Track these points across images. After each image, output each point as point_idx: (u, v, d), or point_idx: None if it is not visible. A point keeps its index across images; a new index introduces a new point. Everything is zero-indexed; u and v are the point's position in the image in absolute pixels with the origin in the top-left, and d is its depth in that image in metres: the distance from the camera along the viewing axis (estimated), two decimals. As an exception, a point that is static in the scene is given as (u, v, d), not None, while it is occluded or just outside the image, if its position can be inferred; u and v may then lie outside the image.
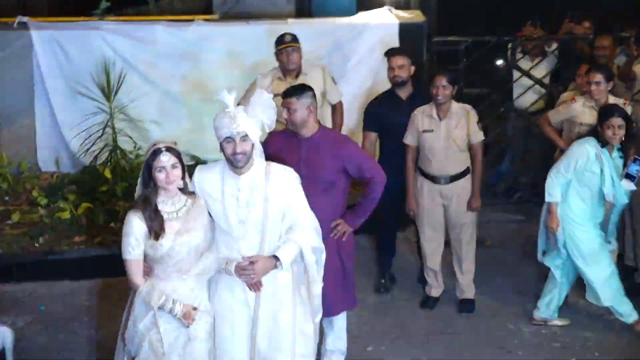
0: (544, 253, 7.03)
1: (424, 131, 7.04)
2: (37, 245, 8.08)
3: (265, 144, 5.45)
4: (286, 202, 5.06)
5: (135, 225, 4.73)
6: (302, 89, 5.91)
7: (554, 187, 6.68)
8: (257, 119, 4.92)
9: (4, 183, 8.99)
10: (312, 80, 7.38)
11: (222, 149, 4.92)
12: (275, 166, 5.10)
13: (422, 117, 7.06)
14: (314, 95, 5.90)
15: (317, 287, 5.36)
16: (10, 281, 7.75)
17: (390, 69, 7.29)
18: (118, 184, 8.63)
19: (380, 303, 7.46)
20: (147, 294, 4.76)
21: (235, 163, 4.89)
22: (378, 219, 7.17)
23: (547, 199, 6.73)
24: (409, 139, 7.13)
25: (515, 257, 8.43)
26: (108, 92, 8.87)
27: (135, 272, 4.78)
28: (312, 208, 5.22)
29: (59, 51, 9.33)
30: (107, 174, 8.70)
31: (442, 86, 6.91)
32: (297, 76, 7.51)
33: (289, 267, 5.12)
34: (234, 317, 5.08)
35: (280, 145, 5.89)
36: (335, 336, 6.20)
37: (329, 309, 5.82)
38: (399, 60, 7.27)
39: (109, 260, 7.85)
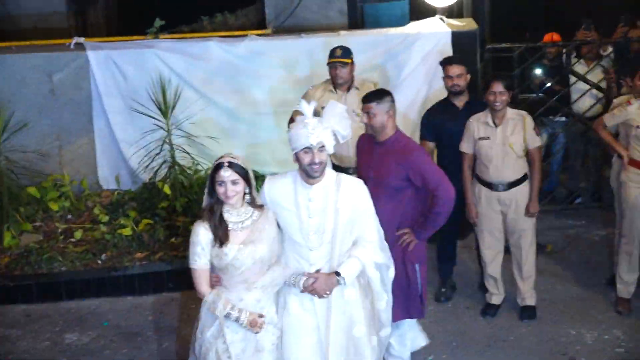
0: None
1: (480, 138, 7.02)
2: (99, 262, 8.19)
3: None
4: (355, 214, 5.10)
5: (201, 234, 4.81)
6: (382, 94, 6.02)
7: None
8: (333, 129, 4.98)
9: (66, 202, 9.12)
10: (362, 94, 7.43)
11: (297, 159, 4.98)
12: (345, 177, 5.17)
13: (477, 124, 7.05)
14: (393, 100, 6.00)
15: (382, 302, 5.40)
16: (75, 298, 7.87)
17: (448, 77, 7.29)
18: (177, 200, 8.71)
19: (441, 312, 7.44)
20: (212, 302, 4.82)
21: (312, 173, 4.95)
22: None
23: None
24: (465, 147, 7.11)
25: (576, 263, 8.34)
26: (165, 108, 8.96)
27: (202, 281, 4.85)
28: (378, 212, 5.29)
29: (116, 70, 9.45)
30: (167, 190, 8.80)
31: (499, 92, 6.89)
32: (348, 89, 7.53)
33: (354, 283, 5.15)
34: (302, 327, 5.12)
35: (361, 148, 6.19)
36: (397, 342, 6.21)
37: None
38: (456, 69, 7.27)
39: (170, 276, 7.96)
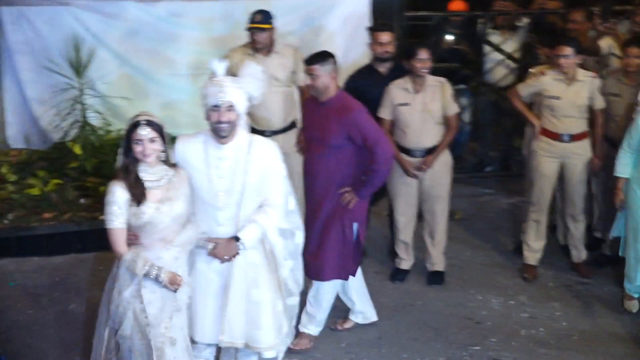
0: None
1: (399, 105, 7.05)
2: (6, 221, 8.04)
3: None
4: (264, 176, 5.08)
5: (118, 194, 4.72)
6: (325, 56, 6.09)
7: (621, 162, 6.70)
8: (245, 89, 4.95)
9: (-27, 160, 8.96)
10: (282, 59, 7.41)
11: (207, 117, 4.95)
12: (258, 138, 5.14)
13: (397, 90, 7.08)
14: (336, 62, 6.08)
15: (284, 270, 5.43)
16: (-20, 257, 7.74)
17: (377, 44, 7.27)
18: (88, 160, 8.59)
19: (351, 276, 7.49)
20: (131, 260, 4.75)
21: (219, 132, 4.92)
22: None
23: (615, 173, 6.76)
24: (385, 113, 7.14)
25: (484, 230, 8.48)
26: (77, 68, 8.82)
27: (119, 240, 4.77)
28: (320, 171, 5.60)
29: (28, 27, 9.25)
30: (77, 150, 8.66)
31: (426, 59, 6.94)
32: (268, 53, 7.48)
33: (257, 247, 5.15)
34: (209, 286, 5.13)
35: (306, 109, 6.39)
36: (312, 300, 6.26)
37: (318, 273, 6.04)
38: (386, 36, 7.27)
39: (79, 236, 7.87)
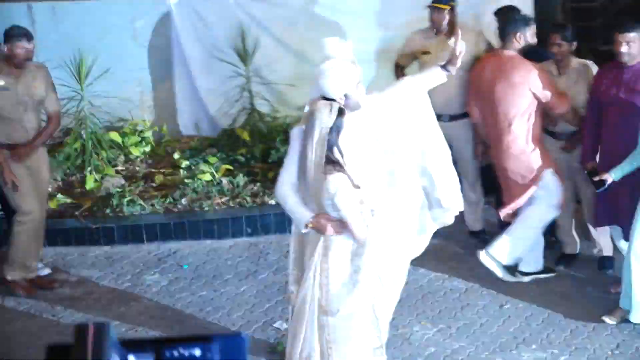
0: None
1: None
2: (180, 206, 8.33)
3: None
4: None
5: (349, 185, 4.88)
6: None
7: None
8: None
9: (146, 147, 9.26)
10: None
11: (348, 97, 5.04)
12: None
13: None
14: None
15: None
16: (155, 241, 8.03)
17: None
18: (256, 146, 8.80)
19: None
20: None
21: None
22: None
23: None
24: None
25: None
26: (244, 56, 9.03)
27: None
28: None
29: (196, 18, 9.50)
30: (245, 136, 8.89)
31: (557, 44, 6.83)
32: (449, 36, 7.38)
33: None
34: None
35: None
36: None
37: None
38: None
39: (249, 221, 8.07)
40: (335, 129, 4.78)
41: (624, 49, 6.26)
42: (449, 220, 5.53)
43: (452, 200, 5.46)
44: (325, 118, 4.77)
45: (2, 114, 7.00)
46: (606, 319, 6.34)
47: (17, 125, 7.03)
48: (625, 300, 6.25)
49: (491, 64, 6.90)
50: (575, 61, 6.97)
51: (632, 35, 6.28)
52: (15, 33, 6.94)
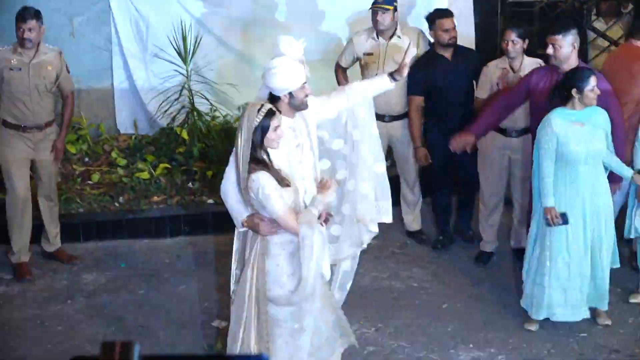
0: None
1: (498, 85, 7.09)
2: (117, 204, 8.27)
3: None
4: None
5: (272, 183, 4.82)
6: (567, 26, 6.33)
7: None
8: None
9: (83, 145, 9.16)
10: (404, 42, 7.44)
11: (291, 97, 5.07)
12: None
13: (495, 70, 7.09)
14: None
15: None
16: (92, 239, 7.97)
17: (444, 31, 7.28)
18: (195, 145, 8.77)
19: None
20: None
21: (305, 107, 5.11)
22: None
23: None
24: (481, 93, 7.18)
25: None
26: (184, 54, 8.99)
27: (292, 219, 4.87)
28: None
29: (136, 14, 9.44)
30: (184, 135, 8.86)
31: (512, 41, 6.95)
32: (390, 38, 7.51)
33: None
34: None
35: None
36: None
37: None
38: (450, 23, 7.30)
39: (187, 219, 8.05)
40: (260, 129, 4.78)
41: (549, 50, 6.36)
42: (373, 229, 5.63)
43: (366, 214, 5.57)
44: (252, 117, 4.77)
45: (15, 94, 7.08)
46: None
47: (29, 106, 7.12)
48: None
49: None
50: (528, 60, 7.09)
51: (557, 37, 6.31)
52: (26, 13, 7.05)
